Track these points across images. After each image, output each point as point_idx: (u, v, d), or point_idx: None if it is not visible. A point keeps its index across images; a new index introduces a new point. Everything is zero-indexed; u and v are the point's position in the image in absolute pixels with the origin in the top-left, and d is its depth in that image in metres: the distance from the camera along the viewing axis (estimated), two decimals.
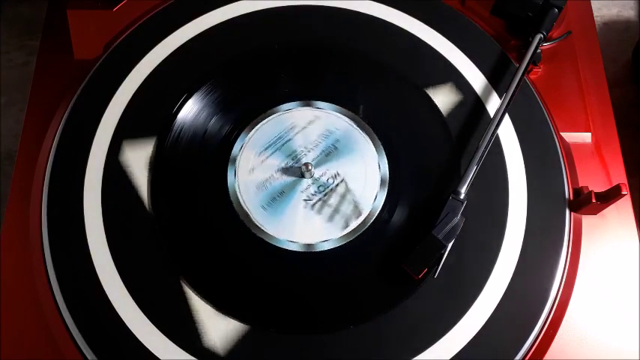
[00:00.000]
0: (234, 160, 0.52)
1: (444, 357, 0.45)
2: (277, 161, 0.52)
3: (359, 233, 0.50)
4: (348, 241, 0.49)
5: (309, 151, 0.52)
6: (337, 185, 0.51)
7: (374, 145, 0.52)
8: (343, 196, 0.50)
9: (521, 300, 0.47)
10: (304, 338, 0.46)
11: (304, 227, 0.50)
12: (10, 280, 0.48)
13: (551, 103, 0.55)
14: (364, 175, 0.51)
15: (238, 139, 0.53)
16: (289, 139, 0.53)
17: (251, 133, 0.53)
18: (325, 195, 0.51)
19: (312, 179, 0.51)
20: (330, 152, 0.52)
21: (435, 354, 0.45)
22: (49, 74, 0.56)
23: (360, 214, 0.50)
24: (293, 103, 0.55)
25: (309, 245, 0.49)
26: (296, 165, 0.52)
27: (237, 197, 0.51)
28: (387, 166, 0.52)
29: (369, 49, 0.57)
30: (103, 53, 0.57)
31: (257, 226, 0.50)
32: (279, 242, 0.49)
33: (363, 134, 0.53)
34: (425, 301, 0.47)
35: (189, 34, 0.57)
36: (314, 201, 0.51)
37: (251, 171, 0.51)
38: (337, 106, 0.54)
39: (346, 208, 0.50)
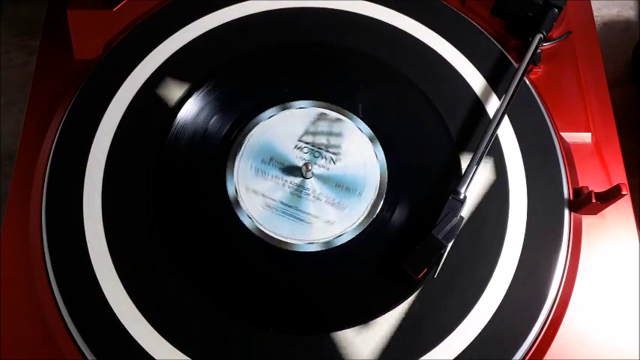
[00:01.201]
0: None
1: (446, 357, 0.45)
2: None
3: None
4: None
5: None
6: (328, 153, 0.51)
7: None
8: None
9: (521, 300, 0.47)
10: (303, 339, 0.46)
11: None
12: (10, 280, 0.48)
13: (551, 103, 0.55)
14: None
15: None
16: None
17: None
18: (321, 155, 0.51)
19: (302, 180, 0.51)
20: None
21: (436, 354, 0.45)
22: (49, 74, 0.56)
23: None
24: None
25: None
26: (295, 170, 0.52)
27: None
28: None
29: (369, 50, 0.57)
30: (103, 53, 0.57)
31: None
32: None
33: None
34: (425, 301, 0.47)
35: (189, 35, 0.57)
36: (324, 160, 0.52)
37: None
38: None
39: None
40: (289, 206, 0.51)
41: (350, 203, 0.51)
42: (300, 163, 0.51)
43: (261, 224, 0.50)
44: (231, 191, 0.51)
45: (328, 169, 0.52)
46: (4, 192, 0.63)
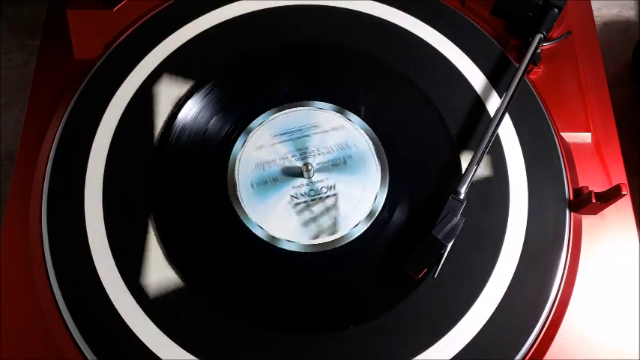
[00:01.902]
0: (249, 131, 0.52)
1: (444, 357, 0.45)
2: (286, 150, 0.52)
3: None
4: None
5: (319, 154, 0.52)
6: (328, 197, 0.51)
7: (381, 172, 0.52)
8: (328, 210, 0.50)
9: (521, 300, 0.47)
10: (304, 338, 0.46)
11: (278, 220, 0.50)
12: (10, 280, 0.48)
13: (551, 103, 0.55)
14: (357, 200, 0.51)
15: (262, 116, 0.53)
16: (307, 135, 0.53)
17: (277, 115, 0.53)
18: (312, 200, 0.51)
19: (308, 181, 0.51)
20: (338, 164, 0.52)
21: (435, 354, 0.45)
22: (49, 74, 0.56)
23: (334, 233, 0.49)
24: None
25: (273, 238, 0.49)
26: (300, 161, 0.52)
27: (234, 172, 0.51)
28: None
29: (369, 49, 0.57)
30: (103, 53, 0.57)
31: (257, 225, 0.50)
32: (249, 223, 0.49)
33: (377, 162, 0.52)
34: (425, 301, 0.47)
35: (189, 35, 0.57)
36: (299, 201, 0.50)
37: (259, 148, 0.52)
38: (366, 126, 0.53)
39: (325, 221, 0.50)
40: (275, 196, 0.50)
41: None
42: (299, 165, 0.51)
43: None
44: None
45: (322, 155, 0.52)
46: (4, 192, 0.63)
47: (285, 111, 0.54)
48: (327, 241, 0.49)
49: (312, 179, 0.51)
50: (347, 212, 0.50)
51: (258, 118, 0.54)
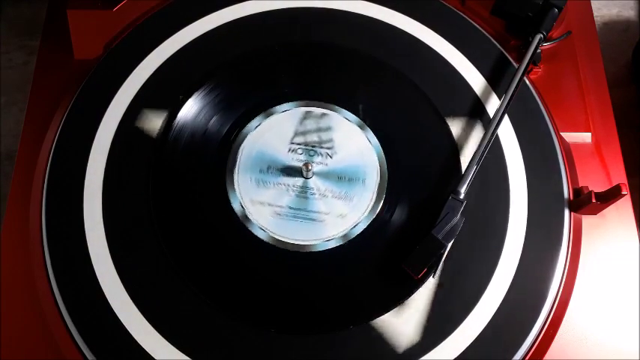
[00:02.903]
0: (241, 209, 0.51)
1: (446, 357, 0.45)
2: (276, 183, 0.51)
3: (358, 233, 0.50)
4: (348, 241, 0.49)
5: (293, 156, 0.52)
6: (325, 200, 0.51)
7: (374, 202, 0.51)
8: (325, 213, 0.50)
9: (521, 300, 0.47)
10: (304, 338, 0.46)
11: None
12: (10, 280, 0.48)
13: (551, 103, 0.55)
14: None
15: (273, 108, 0.54)
16: (270, 158, 0.52)
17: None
18: (311, 200, 0.51)
19: (307, 181, 0.51)
20: (310, 143, 0.52)
21: (436, 354, 0.45)
22: (49, 74, 0.56)
23: (331, 239, 0.50)
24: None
25: (269, 236, 0.49)
26: (304, 160, 0.52)
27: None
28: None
29: (369, 50, 0.57)
30: (103, 53, 0.57)
31: (261, 228, 0.50)
32: (247, 222, 0.49)
33: (374, 193, 0.51)
34: (425, 301, 0.47)
35: (189, 35, 0.57)
36: (298, 201, 0.51)
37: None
38: (378, 146, 0.53)
39: (321, 224, 0.50)
40: (298, 209, 0.50)
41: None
42: (299, 164, 0.51)
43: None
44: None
45: (327, 164, 0.52)
46: (4, 192, 0.63)
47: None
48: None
49: (310, 181, 0.51)
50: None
51: (274, 108, 0.54)
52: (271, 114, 0.54)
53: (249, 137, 0.53)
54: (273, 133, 0.53)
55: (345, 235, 0.49)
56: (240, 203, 0.51)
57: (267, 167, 0.52)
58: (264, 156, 0.52)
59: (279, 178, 0.52)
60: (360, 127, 0.54)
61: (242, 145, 0.53)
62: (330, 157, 0.52)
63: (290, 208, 0.50)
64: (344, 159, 0.52)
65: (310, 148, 0.53)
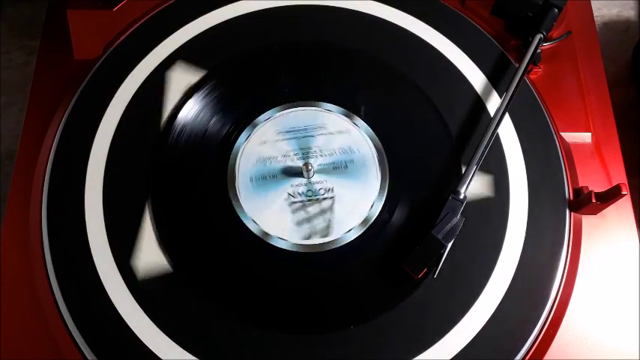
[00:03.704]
0: (255, 125, 0.53)
1: (444, 357, 0.45)
2: (289, 148, 0.52)
3: (359, 233, 0.50)
4: (348, 241, 0.49)
5: (321, 156, 0.52)
6: (324, 199, 0.51)
7: (381, 179, 0.51)
8: (323, 212, 0.50)
9: (521, 300, 0.47)
10: (304, 338, 0.46)
11: (272, 216, 0.50)
12: (10, 280, 0.48)
13: (551, 103, 0.55)
14: (353, 206, 0.50)
15: (269, 111, 0.54)
16: (312, 135, 0.53)
17: (285, 112, 0.53)
18: (309, 201, 0.51)
19: (307, 181, 0.51)
20: (339, 168, 0.52)
21: (435, 354, 0.45)
22: (49, 74, 0.56)
23: (326, 236, 0.49)
24: (293, 103, 0.55)
25: (265, 234, 0.49)
26: (301, 160, 0.52)
27: (235, 164, 0.51)
28: (386, 164, 0.52)
29: (369, 49, 0.57)
30: (103, 53, 0.57)
31: (261, 228, 0.50)
32: (244, 217, 0.49)
33: (378, 170, 0.52)
34: (425, 301, 0.47)
35: (189, 35, 0.57)
36: (296, 200, 0.51)
37: (262, 143, 0.52)
38: (371, 132, 0.53)
39: (319, 223, 0.50)
40: (273, 192, 0.50)
41: (361, 177, 0.51)
42: (299, 165, 0.51)
43: (265, 227, 0.50)
44: (233, 197, 0.51)
45: (327, 165, 0.52)
46: (4, 192, 0.63)
47: (293, 109, 0.54)
48: (320, 242, 0.49)
49: (312, 180, 0.51)
50: (341, 217, 0.50)
51: (266, 113, 0.54)
52: (271, 115, 0.54)
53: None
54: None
55: (364, 221, 0.49)
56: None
57: (267, 168, 0.52)
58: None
59: (279, 178, 0.52)
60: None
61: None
62: (329, 155, 0.52)
63: (288, 207, 0.50)
64: (343, 156, 0.52)
65: (311, 149, 0.53)
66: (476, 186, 0.50)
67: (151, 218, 0.49)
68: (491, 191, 0.51)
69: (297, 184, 0.51)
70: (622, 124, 0.57)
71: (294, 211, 0.50)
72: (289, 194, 0.51)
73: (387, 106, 0.55)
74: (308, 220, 0.50)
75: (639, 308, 0.48)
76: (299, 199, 0.51)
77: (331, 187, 0.51)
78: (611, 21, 0.73)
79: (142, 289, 0.47)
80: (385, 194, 0.51)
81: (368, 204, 0.51)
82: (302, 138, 0.53)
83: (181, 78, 0.55)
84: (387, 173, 0.52)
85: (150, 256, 0.48)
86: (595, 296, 0.48)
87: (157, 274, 0.48)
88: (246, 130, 0.53)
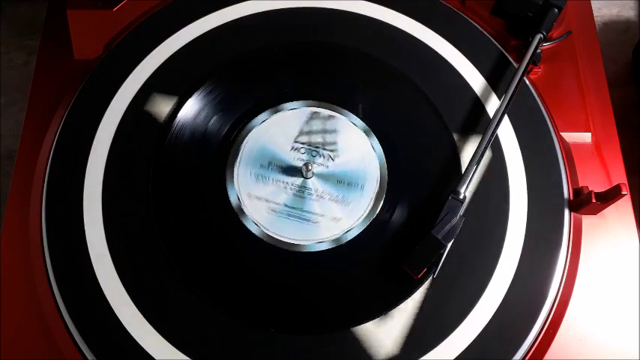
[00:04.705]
0: (256, 124, 0.53)
1: (446, 357, 0.45)
2: (277, 184, 0.51)
3: (359, 233, 0.50)
4: (348, 241, 0.49)
5: (293, 155, 0.52)
6: (323, 199, 0.51)
7: (381, 180, 0.51)
8: (321, 214, 0.50)
9: (521, 300, 0.47)
10: (304, 338, 0.46)
11: (270, 215, 0.50)
12: (10, 280, 0.48)
13: (551, 103, 0.55)
14: (351, 139, 0.52)
15: (269, 111, 0.54)
16: (270, 158, 0.52)
17: (235, 174, 0.52)
18: (307, 200, 0.51)
19: (306, 181, 0.51)
20: (310, 143, 0.53)
21: (436, 355, 0.45)
22: (49, 74, 0.56)
23: (325, 237, 0.50)
24: (293, 103, 0.55)
25: (264, 233, 0.49)
26: (305, 160, 0.52)
27: (241, 207, 0.51)
28: (386, 164, 0.52)
29: (369, 50, 0.57)
30: (103, 53, 0.57)
31: (264, 231, 0.50)
32: (244, 218, 0.50)
33: (378, 170, 0.52)
34: (424, 302, 0.47)
35: (189, 35, 0.57)
36: (295, 200, 0.51)
37: (262, 206, 0.51)
38: (371, 132, 0.53)
39: (316, 223, 0.50)
40: (294, 208, 0.50)
41: (354, 198, 0.51)
42: (300, 164, 0.51)
43: (266, 228, 0.50)
44: (233, 199, 0.51)
45: (327, 166, 0.52)
46: (4, 192, 0.63)
47: (294, 109, 0.54)
48: (319, 242, 0.49)
49: (309, 181, 0.51)
50: (341, 217, 0.50)
51: (265, 113, 0.54)
52: (272, 114, 0.54)
53: (252, 132, 0.53)
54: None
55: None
56: (240, 202, 0.51)
57: (268, 163, 0.52)
58: (266, 152, 0.52)
59: (279, 175, 0.52)
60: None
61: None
62: (332, 160, 0.52)
63: (286, 206, 0.50)
64: (345, 162, 0.52)
65: (313, 148, 0.53)
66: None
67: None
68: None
69: (297, 184, 0.51)
70: (622, 124, 0.57)
71: (292, 211, 0.50)
72: (287, 192, 0.51)
73: (387, 107, 0.55)
74: (307, 220, 0.50)
75: (639, 308, 0.48)
76: (298, 198, 0.51)
77: (328, 193, 0.51)
78: (611, 21, 0.73)
79: (140, 289, 0.47)
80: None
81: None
82: (304, 138, 0.53)
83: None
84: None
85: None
86: (595, 296, 0.48)
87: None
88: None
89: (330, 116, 0.54)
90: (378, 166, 0.52)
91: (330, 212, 0.50)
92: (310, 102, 0.55)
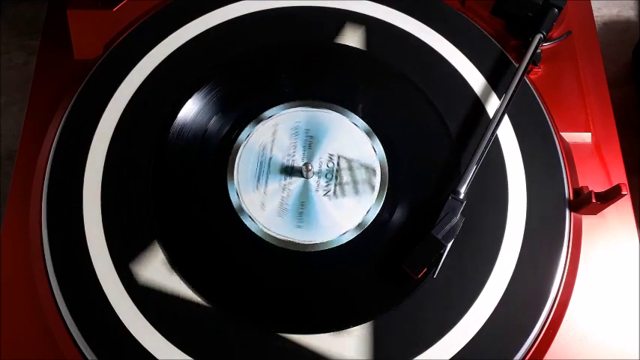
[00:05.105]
0: (257, 123, 0.53)
1: (444, 357, 0.45)
2: (277, 184, 0.52)
3: (359, 233, 0.50)
4: (348, 241, 0.49)
5: (293, 155, 0.52)
6: (339, 163, 0.52)
7: (381, 180, 0.52)
8: (351, 168, 0.51)
9: (521, 300, 0.47)
10: (304, 338, 0.46)
11: (269, 213, 0.50)
12: (10, 280, 0.48)
13: (551, 103, 0.55)
14: (351, 139, 0.52)
15: (272, 109, 0.54)
16: (270, 158, 0.53)
17: (235, 174, 0.52)
18: (337, 178, 0.51)
19: (317, 174, 0.51)
20: (310, 142, 0.53)
21: (435, 354, 0.45)
22: (49, 74, 0.56)
23: (374, 172, 0.51)
24: (294, 102, 0.55)
25: (262, 231, 0.49)
26: (304, 160, 0.52)
27: (241, 205, 0.51)
28: (386, 164, 0.52)
29: (369, 50, 0.57)
30: (103, 53, 0.57)
31: (261, 228, 0.50)
32: (243, 216, 0.50)
33: (378, 170, 0.52)
34: (425, 301, 0.47)
35: (189, 34, 0.57)
36: (332, 190, 0.51)
37: (262, 206, 0.51)
38: (371, 132, 0.53)
39: (361, 174, 0.51)
40: (294, 208, 0.50)
41: (354, 197, 0.51)
42: (300, 164, 0.51)
43: (267, 228, 0.50)
44: (233, 199, 0.51)
45: (327, 165, 0.52)
46: (4, 192, 0.63)
47: (295, 109, 0.54)
48: (320, 242, 0.49)
49: (316, 170, 0.51)
50: (359, 152, 0.51)
51: (268, 111, 0.54)
52: (272, 114, 0.54)
53: (249, 137, 0.53)
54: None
55: (337, 239, 0.49)
56: (240, 202, 0.51)
57: (268, 163, 0.52)
58: (266, 152, 0.52)
59: (279, 177, 0.52)
60: (361, 127, 0.54)
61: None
62: (331, 158, 0.52)
63: (286, 206, 0.50)
64: (345, 160, 0.52)
65: (312, 148, 0.53)
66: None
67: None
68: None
69: (317, 184, 0.51)
70: (622, 124, 0.57)
71: (342, 194, 0.51)
72: (324, 195, 0.51)
73: (387, 107, 0.55)
74: (355, 182, 0.50)
75: (639, 308, 0.48)
76: (332, 186, 0.51)
77: (327, 154, 0.52)
78: (611, 21, 0.73)
79: (140, 289, 0.47)
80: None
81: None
82: (269, 168, 0.53)
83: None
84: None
85: (149, 256, 0.48)
86: (595, 296, 0.48)
87: (155, 276, 0.48)
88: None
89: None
90: (378, 166, 0.52)
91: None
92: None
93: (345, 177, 0.51)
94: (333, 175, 0.51)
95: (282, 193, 0.51)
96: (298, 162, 0.52)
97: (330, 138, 0.53)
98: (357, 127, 0.54)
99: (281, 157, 0.52)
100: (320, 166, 0.52)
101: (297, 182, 0.51)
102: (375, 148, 0.53)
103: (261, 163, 0.52)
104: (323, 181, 0.51)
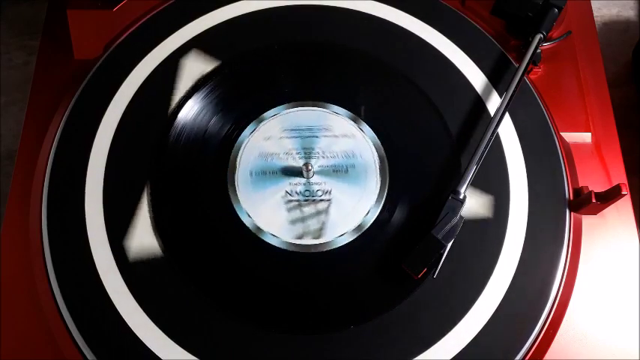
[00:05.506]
0: (259, 122, 0.53)
1: (444, 357, 0.45)
2: (291, 146, 0.52)
3: (359, 233, 0.50)
4: (348, 241, 0.49)
5: (323, 157, 0.52)
6: (321, 201, 0.51)
7: (380, 188, 0.51)
8: (318, 213, 0.50)
9: (521, 300, 0.47)
10: (304, 338, 0.46)
11: (266, 212, 0.50)
12: (10, 280, 0.48)
13: (551, 103, 0.55)
14: (349, 210, 0.50)
15: (274, 109, 0.54)
16: (316, 137, 0.53)
17: (289, 111, 0.53)
18: (305, 201, 0.51)
19: (306, 181, 0.51)
20: (339, 171, 0.52)
21: (435, 354, 0.45)
22: (49, 74, 0.56)
23: (319, 237, 0.49)
24: (293, 102, 0.55)
25: (258, 228, 0.49)
26: (302, 160, 0.52)
27: (236, 159, 0.51)
28: (387, 163, 0.52)
29: (369, 49, 0.57)
30: (103, 53, 0.57)
31: (258, 227, 0.50)
32: (240, 212, 0.50)
33: (378, 178, 0.52)
34: (425, 301, 0.47)
35: (189, 34, 0.57)
36: (293, 199, 0.51)
37: (266, 139, 0.52)
38: (375, 138, 0.53)
39: (313, 224, 0.50)
40: (294, 208, 0.50)
41: (354, 197, 0.51)
42: (299, 165, 0.51)
43: (267, 228, 0.50)
44: (234, 199, 0.51)
45: (327, 165, 0.52)
46: (4, 192, 0.63)
47: (297, 108, 0.54)
48: (320, 242, 0.49)
49: (311, 180, 0.51)
50: (336, 220, 0.50)
51: (270, 111, 0.54)
52: (272, 115, 0.54)
53: (249, 138, 0.53)
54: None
55: (337, 239, 0.49)
56: (241, 202, 0.51)
57: (267, 164, 0.52)
58: (266, 152, 0.52)
59: (278, 175, 0.52)
60: (361, 127, 0.54)
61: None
62: (331, 158, 0.52)
63: (287, 206, 0.50)
64: (345, 160, 0.52)
65: (313, 149, 0.53)
66: (475, 186, 0.50)
67: (151, 218, 0.49)
68: (491, 191, 0.51)
69: (296, 183, 0.51)
70: (622, 124, 0.57)
71: (289, 210, 0.50)
72: (287, 192, 0.51)
73: (387, 106, 0.55)
74: (302, 219, 0.50)
75: (639, 308, 0.48)
76: (296, 197, 0.51)
77: (329, 189, 0.51)
78: (611, 21, 0.73)
79: (142, 289, 0.47)
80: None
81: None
82: (305, 138, 0.53)
83: (191, 69, 0.55)
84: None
85: (151, 256, 0.48)
86: (595, 296, 0.48)
87: (158, 274, 0.48)
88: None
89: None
90: (378, 158, 0.52)
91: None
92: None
93: (307, 209, 0.50)
94: (308, 197, 0.51)
95: (282, 193, 0.51)
96: (298, 162, 0.52)
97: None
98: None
99: (281, 157, 0.52)
100: (315, 184, 0.52)
101: (297, 182, 0.51)
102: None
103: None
104: (323, 181, 0.51)
